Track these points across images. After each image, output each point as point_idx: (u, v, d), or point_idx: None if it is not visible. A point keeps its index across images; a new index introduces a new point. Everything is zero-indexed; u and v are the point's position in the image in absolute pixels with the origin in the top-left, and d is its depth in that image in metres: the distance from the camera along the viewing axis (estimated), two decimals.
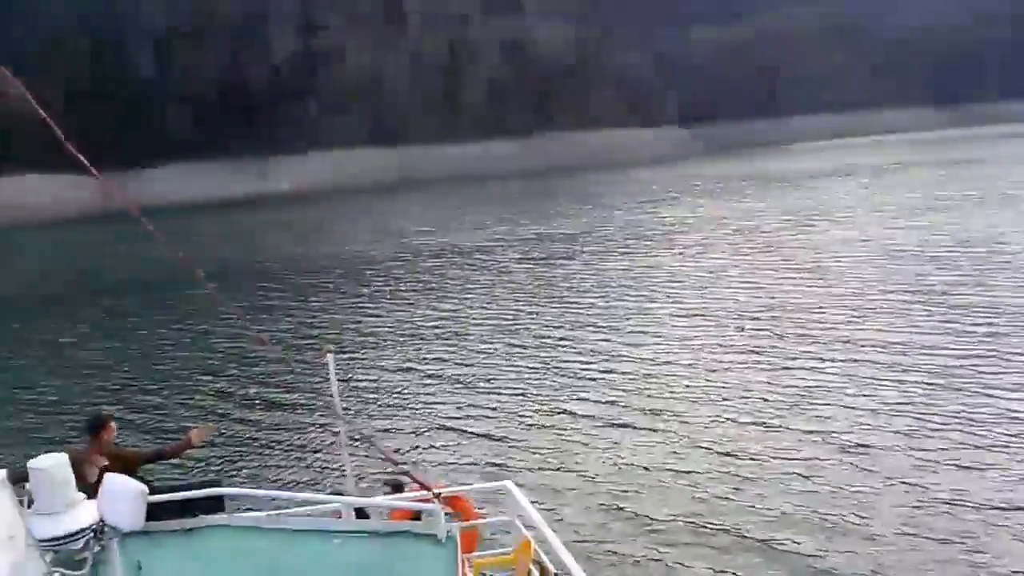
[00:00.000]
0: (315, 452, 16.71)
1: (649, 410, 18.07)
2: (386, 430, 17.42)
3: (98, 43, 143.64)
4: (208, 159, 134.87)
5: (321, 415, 18.21)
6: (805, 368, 19.85)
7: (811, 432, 15.80)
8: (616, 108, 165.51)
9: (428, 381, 21.41)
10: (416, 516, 6.84)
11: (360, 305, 32.60)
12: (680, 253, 38.02)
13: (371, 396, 20.42)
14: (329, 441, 16.56)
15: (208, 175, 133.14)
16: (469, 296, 31.83)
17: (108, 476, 4.96)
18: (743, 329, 23.51)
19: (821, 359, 20.41)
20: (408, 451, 16.07)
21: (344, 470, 9.27)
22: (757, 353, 21.28)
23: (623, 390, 19.50)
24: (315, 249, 50.51)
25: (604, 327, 25.28)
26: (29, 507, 4.55)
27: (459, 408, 18.97)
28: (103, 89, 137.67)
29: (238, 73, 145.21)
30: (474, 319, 28.32)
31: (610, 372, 21.02)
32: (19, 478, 4.68)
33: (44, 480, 4.48)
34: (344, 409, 9.62)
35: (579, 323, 25.90)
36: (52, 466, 4.51)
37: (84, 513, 4.56)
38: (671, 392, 19.20)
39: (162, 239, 5.13)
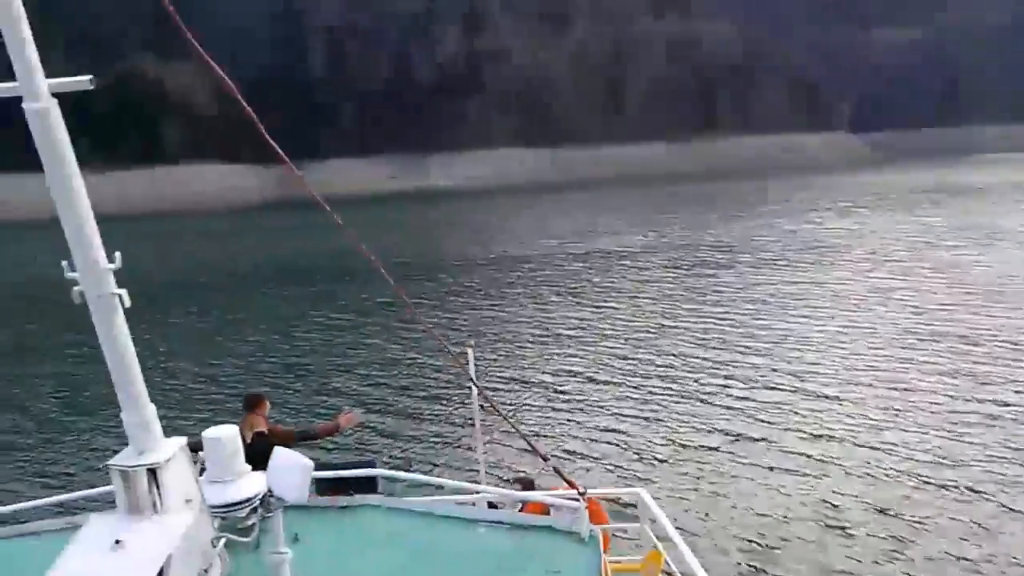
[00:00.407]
0: (453, 441, 17.29)
1: (800, 434, 16.81)
2: (521, 425, 17.28)
3: (277, 38, 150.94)
4: (373, 153, 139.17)
5: (460, 406, 18.61)
6: (978, 400, 17.93)
7: (983, 485, 14.09)
8: (784, 111, 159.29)
9: (565, 382, 21.32)
10: (546, 512, 6.90)
11: (505, 304, 32.31)
12: (844, 270, 35.69)
13: (508, 391, 20.61)
14: (466, 432, 16.74)
15: (372, 169, 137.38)
16: (614, 303, 30.91)
17: (277, 449, 5.21)
18: (910, 360, 21.59)
19: (997, 395, 18.40)
20: (544, 445, 15.94)
21: (478, 460, 9.66)
22: (923, 382, 19.43)
23: (772, 411, 18.25)
24: (465, 246, 50.76)
25: (753, 344, 23.81)
26: (201, 474, 4.82)
27: (595, 411, 18.76)
28: (279, 83, 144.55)
29: (405, 70, 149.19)
30: (618, 326, 27.44)
31: (756, 390, 19.74)
32: (193, 447, 4.88)
33: (217, 450, 4.79)
34: (481, 405, 9.40)
35: (727, 338, 24.51)
36: (224, 437, 4.81)
37: (252, 483, 4.83)
38: (825, 418, 17.68)
39: (347, 231, 5.45)
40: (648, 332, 26.53)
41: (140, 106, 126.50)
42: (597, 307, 30.82)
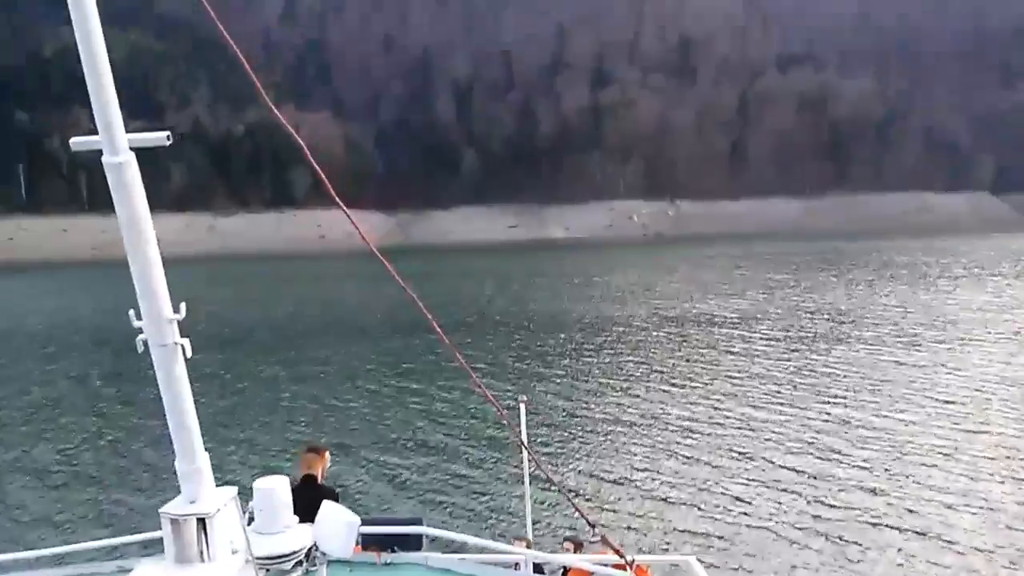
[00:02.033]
0: (502, 500, 16.47)
1: (878, 524, 14.68)
2: (571, 485, 17.08)
3: (409, 91, 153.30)
4: (495, 203, 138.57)
5: (510, 463, 18.14)
6: None
7: None
8: (922, 169, 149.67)
9: (626, 445, 20.24)
10: None
11: (578, 364, 29.06)
12: (976, 347, 30.59)
13: (561, 449, 19.90)
14: (515, 491, 16.02)
15: (492, 219, 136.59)
16: (695, 372, 27.05)
17: (326, 503, 5.20)
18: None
19: None
20: (591, 509, 15.43)
21: (525, 519, 9.27)
22: None
23: (850, 495, 16.11)
24: (562, 302, 47.59)
25: (845, 434, 19.70)
26: (249, 524, 4.81)
27: (651, 476, 17.80)
28: (408, 132, 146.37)
29: (529, 122, 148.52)
30: (693, 396, 23.99)
31: (835, 474, 17.15)
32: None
33: (266, 501, 4.81)
34: (531, 460, 9.61)
35: (812, 422, 20.42)
36: (274, 488, 4.81)
37: (298, 536, 4.83)
38: (921, 511, 15.08)
39: (402, 284, 4.90)
40: (724, 405, 22.87)
41: (274, 153, 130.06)
42: (674, 376, 27.09)
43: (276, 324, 43.55)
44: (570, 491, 16.49)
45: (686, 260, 78.31)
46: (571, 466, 18.74)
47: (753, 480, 17.29)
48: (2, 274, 78.48)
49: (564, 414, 23.46)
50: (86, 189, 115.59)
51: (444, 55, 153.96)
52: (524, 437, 8.20)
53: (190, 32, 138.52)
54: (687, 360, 30.22)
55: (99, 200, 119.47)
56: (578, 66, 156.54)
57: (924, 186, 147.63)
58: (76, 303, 54.15)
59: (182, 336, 4.04)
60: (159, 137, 4.11)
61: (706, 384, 26.12)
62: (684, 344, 33.49)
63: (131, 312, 3.95)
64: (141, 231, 3.95)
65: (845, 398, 23.78)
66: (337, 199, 4.84)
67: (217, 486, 4.49)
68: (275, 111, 4.51)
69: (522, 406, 8.45)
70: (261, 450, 20.42)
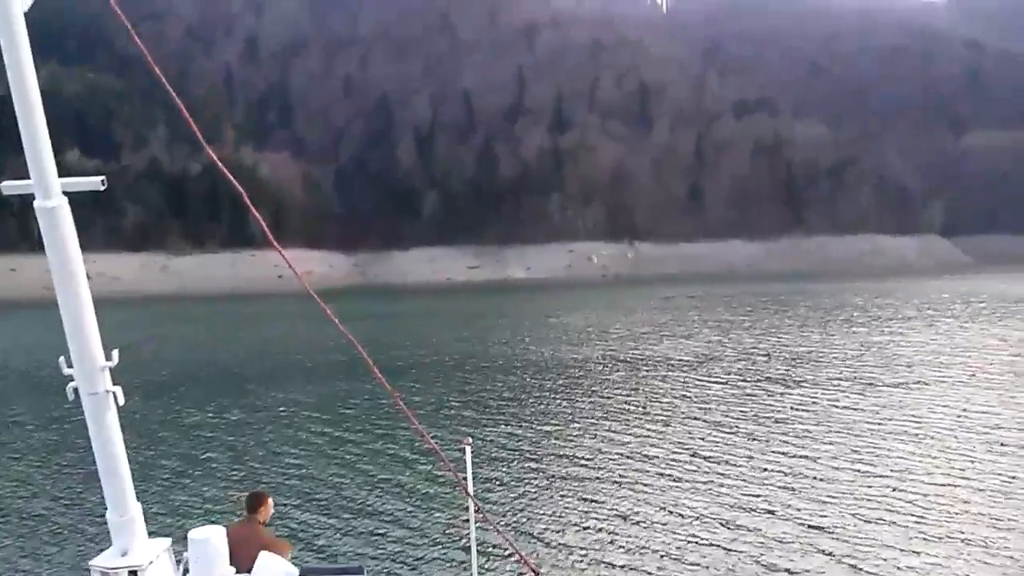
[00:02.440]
0: (444, 543, 15.76)
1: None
2: (519, 530, 16.33)
3: (369, 133, 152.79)
4: (456, 244, 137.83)
5: (455, 505, 17.33)
6: None
7: None
8: (874, 213, 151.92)
9: (577, 490, 19.22)
10: None
11: (527, 405, 27.90)
12: (933, 389, 30.01)
13: (509, 493, 19.00)
14: (460, 533, 15.55)
15: (453, 259, 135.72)
16: (660, 417, 26.05)
17: (263, 555, 5.12)
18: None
19: None
20: (537, 554, 14.96)
21: (470, 565, 9.01)
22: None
23: (806, 544, 14.45)
24: (516, 344, 46.53)
25: (803, 478, 18.74)
26: (185, 575, 4.73)
27: (598, 520, 16.97)
28: (369, 174, 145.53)
29: (490, 165, 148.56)
30: (659, 441, 22.86)
31: (789, 519, 15.66)
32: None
33: (201, 551, 4.71)
34: (477, 509, 8.89)
35: (768, 466, 19.46)
36: (209, 538, 4.74)
37: None
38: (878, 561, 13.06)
39: (337, 324, 4.84)
40: (676, 450, 21.77)
41: (232, 193, 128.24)
42: (625, 419, 26.04)
43: (219, 366, 41.90)
44: (516, 535, 15.95)
45: (644, 301, 77.82)
46: (518, 510, 17.85)
47: (703, 528, 16.28)
48: None
49: (511, 456, 22.40)
50: (36, 229, 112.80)
51: (405, 98, 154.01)
52: (469, 481, 7.86)
53: (148, 71, 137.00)
54: (639, 404, 29.20)
55: None
56: (538, 110, 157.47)
57: (876, 229, 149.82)
58: (16, 343, 51.96)
59: (114, 383, 3.88)
60: (93, 181, 3.96)
61: (659, 428, 25.09)
62: (637, 387, 32.51)
63: (61, 359, 3.79)
64: (72, 276, 3.79)
65: (800, 443, 22.85)
66: (272, 238, 4.57)
67: (150, 537, 4.34)
68: (206, 146, 4.36)
69: (467, 448, 8.16)
70: (197, 498, 19.23)
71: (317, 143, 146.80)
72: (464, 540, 11.87)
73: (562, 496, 18.75)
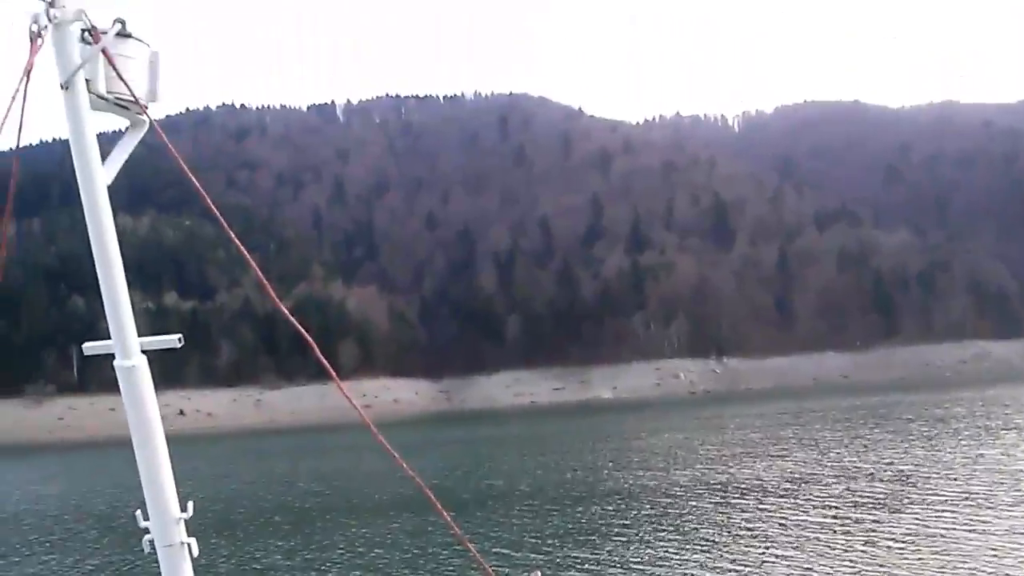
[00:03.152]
0: None
1: None
2: None
3: (451, 264, 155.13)
4: (539, 367, 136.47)
5: None
6: None
7: None
8: (971, 318, 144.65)
9: None
10: None
11: (618, 538, 25.62)
12: None
13: None
14: None
15: (537, 382, 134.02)
16: (754, 547, 23.49)
17: None
18: None
19: None
20: None
21: None
22: None
23: None
24: (603, 469, 44.16)
25: None
26: None
27: None
28: (452, 303, 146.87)
29: (570, 287, 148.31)
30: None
31: None
32: None
33: None
34: None
35: None
36: None
37: None
38: None
39: (394, 456, 4.37)
40: None
41: (321, 328, 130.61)
42: (715, 550, 23.56)
43: (294, 502, 40.80)
44: None
45: (734, 418, 74.28)
46: None
47: None
48: (49, 452, 77.22)
49: None
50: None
51: (484, 229, 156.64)
52: None
53: (242, 216, 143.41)
54: (730, 533, 26.59)
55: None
56: (615, 232, 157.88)
57: (974, 334, 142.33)
58: (101, 484, 52.11)
59: (189, 535, 4.01)
60: (171, 340, 4.12)
61: (753, 561, 22.54)
62: (729, 514, 29.83)
63: (138, 512, 3.95)
64: (150, 432, 3.92)
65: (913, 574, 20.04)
66: (328, 366, 4.59)
67: None
68: (267, 286, 4.53)
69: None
70: None
71: (402, 276, 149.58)
72: None
73: None
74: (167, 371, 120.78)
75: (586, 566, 23.42)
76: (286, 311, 4.89)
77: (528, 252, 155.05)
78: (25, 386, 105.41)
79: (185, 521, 3.99)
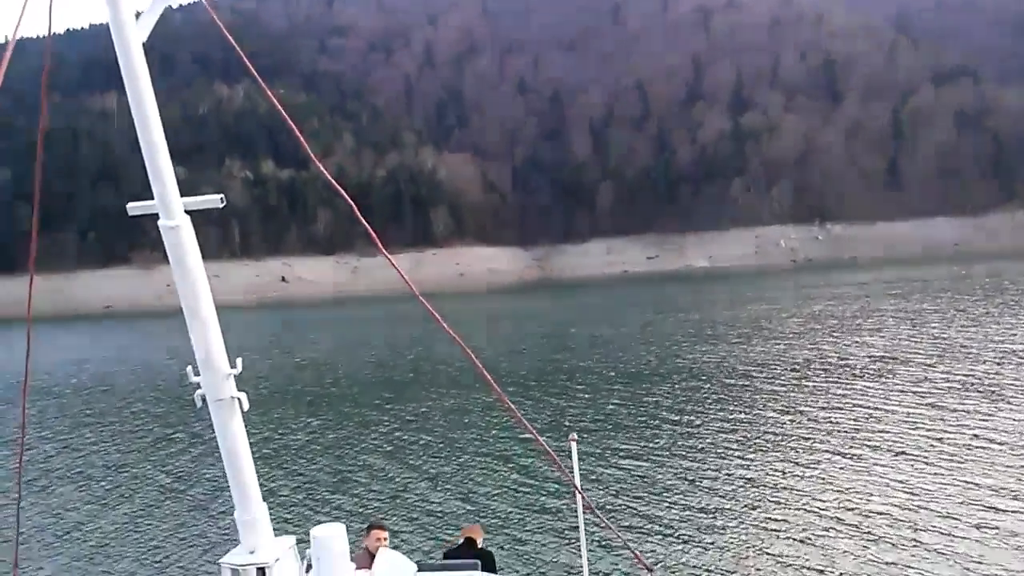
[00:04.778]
0: (555, 538, 15.43)
1: None
2: (628, 526, 15.55)
3: (544, 130, 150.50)
4: (633, 234, 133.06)
5: (564, 501, 17.01)
6: None
7: None
8: None
9: (680, 485, 18.22)
10: None
11: (665, 408, 23.65)
12: None
13: (617, 488, 18.17)
14: (569, 529, 15.28)
15: (630, 250, 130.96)
16: (819, 429, 21.05)
17: (383, 551, 5.29)
18: None
19: None
20: (648, 552, 14.04)
21: (581, 561, 8.76)
22: None
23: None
24: (679, 342, 41.85)
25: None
26: (307, 572, 4.76)
27: (704, 513, 16.19)
28: (544, 169, 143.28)
29: (666, 152, 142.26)
30: (808, 453, 18.38)
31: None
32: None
33: (324, 549, 4.79)
34: (586, 505, 8.01)
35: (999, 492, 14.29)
36: (331, 536, 4.81)
37: None
38: None
39: (444, 326, 4.76)
40: (831, 466, 17.12)
41: (415, 195, 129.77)
42: (778, 431, 21.23)
43: (362, 371, 40.24)
44: (626, 532, 15.05)
45: (832, 288, 70.17)
46: (627, 507, 16.89)
47: (836, 534, 14.32)
48: (159, 317, 79.88)
49: (619, 455, 20.79)
50: (239, 236, 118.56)
51: (578, 93, 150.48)
52: (576, 478, 7.96)
53: (334, 84, 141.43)
54: (799, 412, 24.11)
55: (251, 246, 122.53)
56: (716, 94, 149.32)
57: None
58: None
59: (239, 390, 4.08)
60: (213, 200, 4.07)
61: (812, 442, 20.15)
62: (801, 394, 27.22)
63: (189, 368, 3.93)
64: (197, 290, 3.91)
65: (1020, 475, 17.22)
66: (372, 232, 4.89)
67: (275, 535, 4.44)
68: (314, 158, 5.04)
69: (573, 445, 8.05)
70: (320, 499, 19.10)
71: (493, 143, 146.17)
72: (575, 535, 11.47)
73: (681, 498, 17.17)
74: (268, 239, 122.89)
75: (630, 435, 21.77)
76: (330, 178, 5.04)
77: (623, 116, 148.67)
78: (131, 254, 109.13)
79: (235, 376, 4.04)
